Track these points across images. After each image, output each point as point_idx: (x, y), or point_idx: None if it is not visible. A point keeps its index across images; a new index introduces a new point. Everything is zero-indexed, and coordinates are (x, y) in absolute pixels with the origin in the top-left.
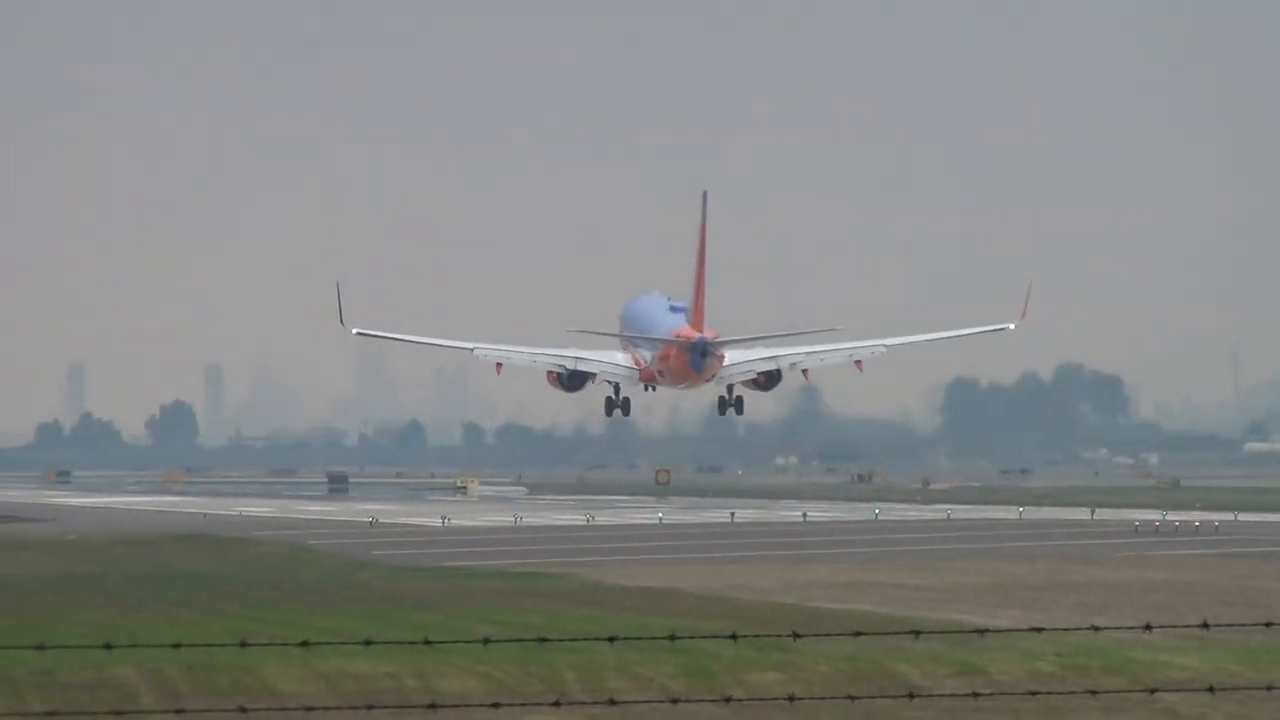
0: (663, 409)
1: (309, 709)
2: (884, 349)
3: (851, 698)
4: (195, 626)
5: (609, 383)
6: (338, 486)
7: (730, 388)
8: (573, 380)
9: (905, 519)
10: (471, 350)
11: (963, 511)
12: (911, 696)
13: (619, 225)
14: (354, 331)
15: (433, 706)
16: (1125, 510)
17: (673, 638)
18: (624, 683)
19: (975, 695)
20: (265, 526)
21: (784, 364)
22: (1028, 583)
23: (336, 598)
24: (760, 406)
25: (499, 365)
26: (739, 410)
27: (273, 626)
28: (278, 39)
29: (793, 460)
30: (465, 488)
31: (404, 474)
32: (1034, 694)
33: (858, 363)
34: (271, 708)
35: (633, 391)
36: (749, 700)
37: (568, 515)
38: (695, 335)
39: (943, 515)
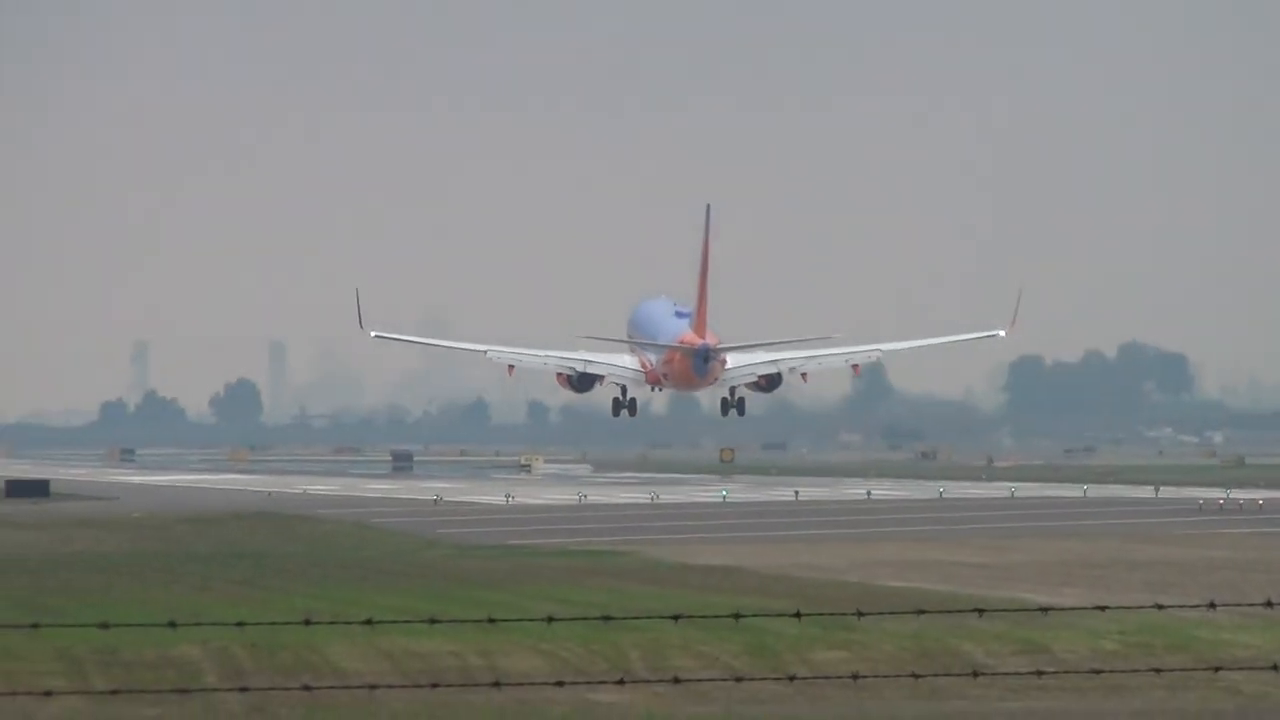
0: (723, 390)
1: (373, 687)
2: (880, 354)
3: (915, 676)
4: (259, 605)
5: (617, 384)
6: (402, 464)
7: (733, 389)
8: (582, 382)
9: (969, 497)
10: (485, 353)
11: (1026, 489)
12: (975, 675)
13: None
14: (372, 335)
15: (497, 685)
16: (1189, 489)
17: (737, 616)
18: (688, 661)
19: (1039, 673)
20: (329, 505)
21: (784, 368)
22: (1091, 561)
23: (401, 576)
24: (825, 385)
25: (510, 367)
26: (740, 411)
27: (337, 605)
28: (324, 28)
29: (857, 438)
30: (529, 466)
31: (468, 452)
32: (1098, 672)
33: (855, 366)
34: (335, 686)
35: (639, 392)
36: (813, 679)
37: (632, 493)
38: (698, 341)
39: (1006, 493)
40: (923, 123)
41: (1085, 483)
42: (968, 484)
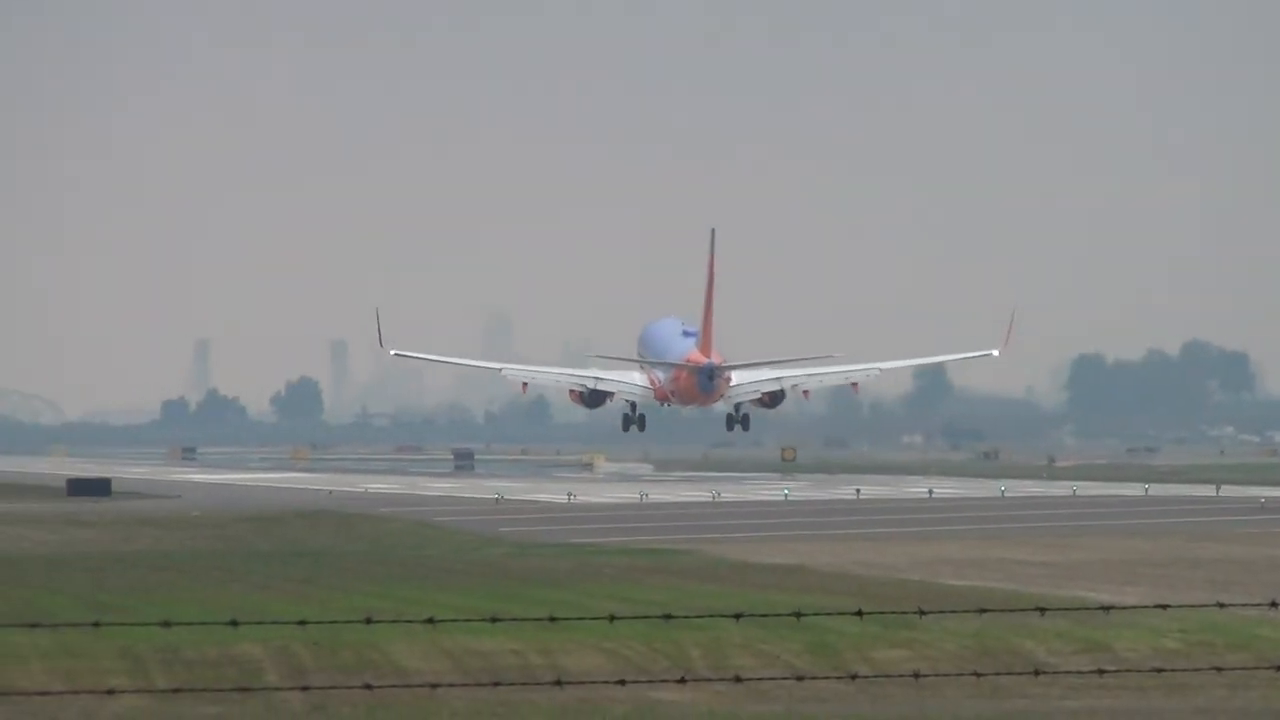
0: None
1: (434, 686)
2: (878, 371)
3: (977, 674)
4: (321, 603)
5: (626, 401)
6: (464, 463)
7: (738, 405)
8: (593, 398)
9: (1031, 496)
10: (500, 370)
11: (1088, 488)
12: (1037, 673)
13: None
14: (391, 353)
15: (558, 683)
16: (1251, 488)
17: (798, 615)
18: (749, 660)
19: (1101, 672)
20: (391, 503)
21: (787, 384)
22: (1153, 559)
23: (462, 574)
24: (887, 385)
25: (524, 385)
26: (745, 426)
27: (398, 603)
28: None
29: (918, 438)
30: (591, 464)
31: (529, 451)
32: (1159, 671)
33: (854, 384)
34: (396, 684)
35: (648, 409)
36: (874, 677)
37: (693, 492)
38: (704, 360)
39: (1068, 492)
40: (950, 120)
41: (1148, 482)
42: (1029, 483)
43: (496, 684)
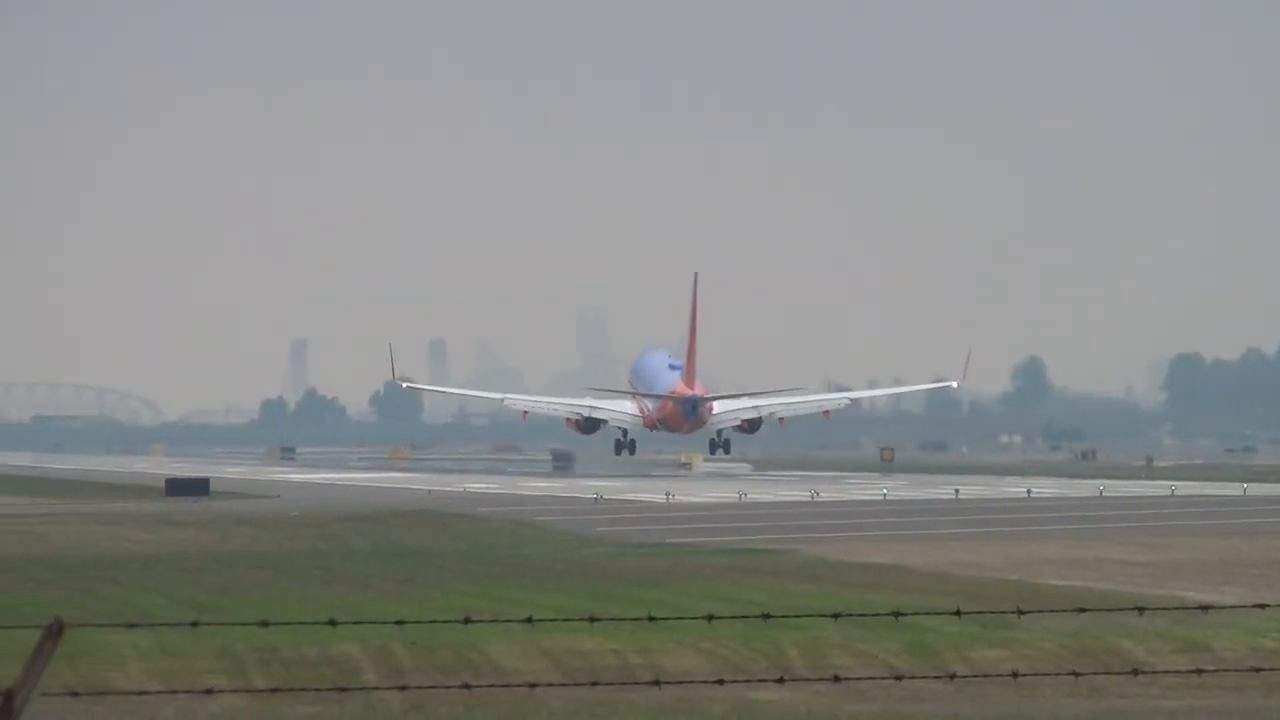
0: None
1: (532, 685)
2: (847, 400)
3: (1075, 674)
4: (419, 603)
5: (618, 428)
6: (562, 463)
7: (719, 431)
8: (588, 425)
9: (1129, 495)
10: (502, 400)
11: (1187, 488)
12: (1135, 673)
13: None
14: (404, 385)
15: (656, 683)
16: None
17: (897, 614)
18: (848, 659)
19: (1199, 672)
20: (489, 503)
21: (764, 412)
22: (1251, 559)
23: (560, 574)
24: (986, 385)
25: (525, 413)
26: (726, 450)
27: (497, 603)
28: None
29: (1017, 439)
30: (689, 464)
31: None
32: (1257, 670)
33: (826, 412)
34: (495, 684)
35: (639, 435)
36: (973, 677)
37: (791, 491)
38: (688, 393)
39: (1166, 491)
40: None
41: (1245, 481)
42: (1127, 482)
43: (595, 684)
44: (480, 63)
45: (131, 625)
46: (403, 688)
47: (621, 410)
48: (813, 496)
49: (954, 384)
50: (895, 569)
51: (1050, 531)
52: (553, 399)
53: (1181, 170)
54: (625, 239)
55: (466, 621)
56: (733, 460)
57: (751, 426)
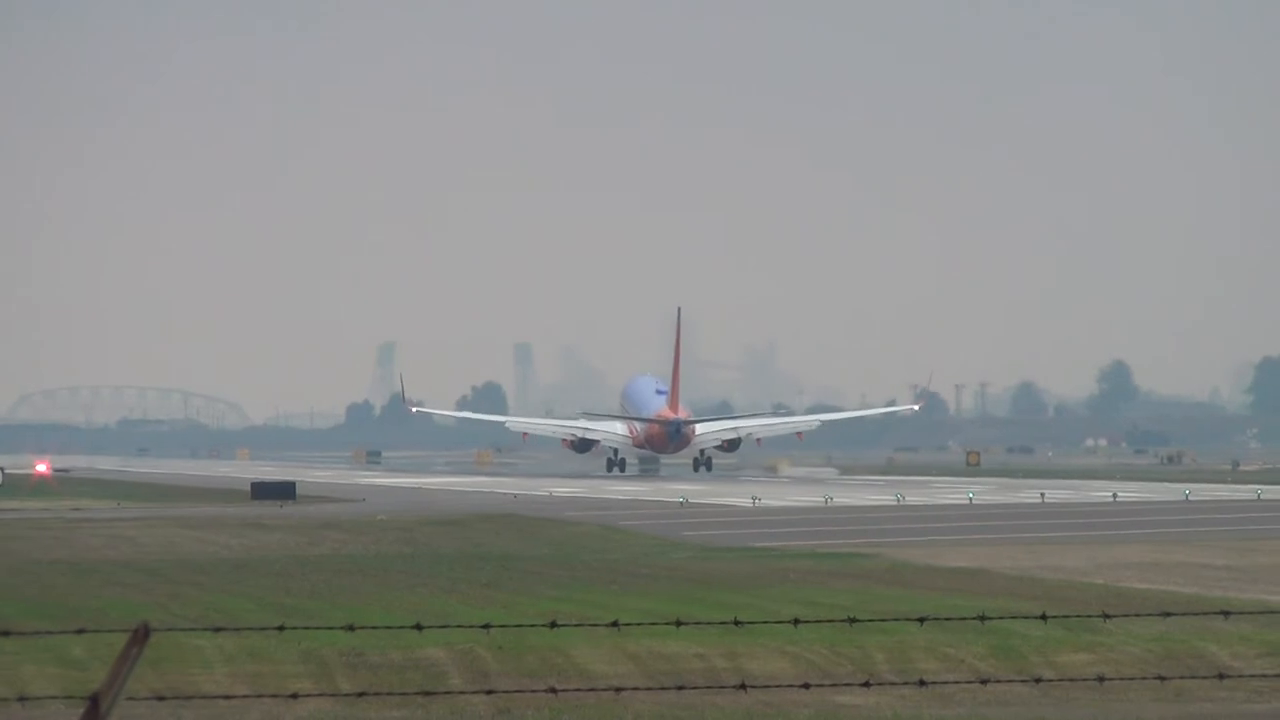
0: (970, 393)
1: (618, 690)
2: (818, 423)
3: (1161, 678)
4: (505, 607)
5: (610, 447)
6: (648, 467)
7: (702, 450)
8: (582, 445)
9: (1215, 499)
10: (504, 423)
11: (1273, 492)
12: (1221, 677)
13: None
14: (413, 410)
15: (743, 687)
16: None
17: (982, 618)
18: (933, 663)
19: None
20: (575, 507)
21: (742, 433)
22: None
23: (646, 578)
24: (1071, 389)
25: (525, 434)
26: (709, 468)
27: (583, 607)
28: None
29: (1102, 443)
30: (775, 468)
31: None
32: None
33: (799, 434)
34: (581, 688)
35: (629, 454)
36: (1058, 681)
37: (878, 495)
38: (671, 417)
39: (1253, 495)
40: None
41: None
42: (1213, 486)
43: (681, 687)
44: (568, 66)
45: (217, 629)
46: (488, 692)
47: (612, 431)
48: (899, 500)
49: (915, 408)
50: (981, 573)
51: (1135, 535)
52: (550, 421)
53: (1271, 175)
54: (713, 242)
55: (553, 625)
56: (820, 465)
57: (731, 446)
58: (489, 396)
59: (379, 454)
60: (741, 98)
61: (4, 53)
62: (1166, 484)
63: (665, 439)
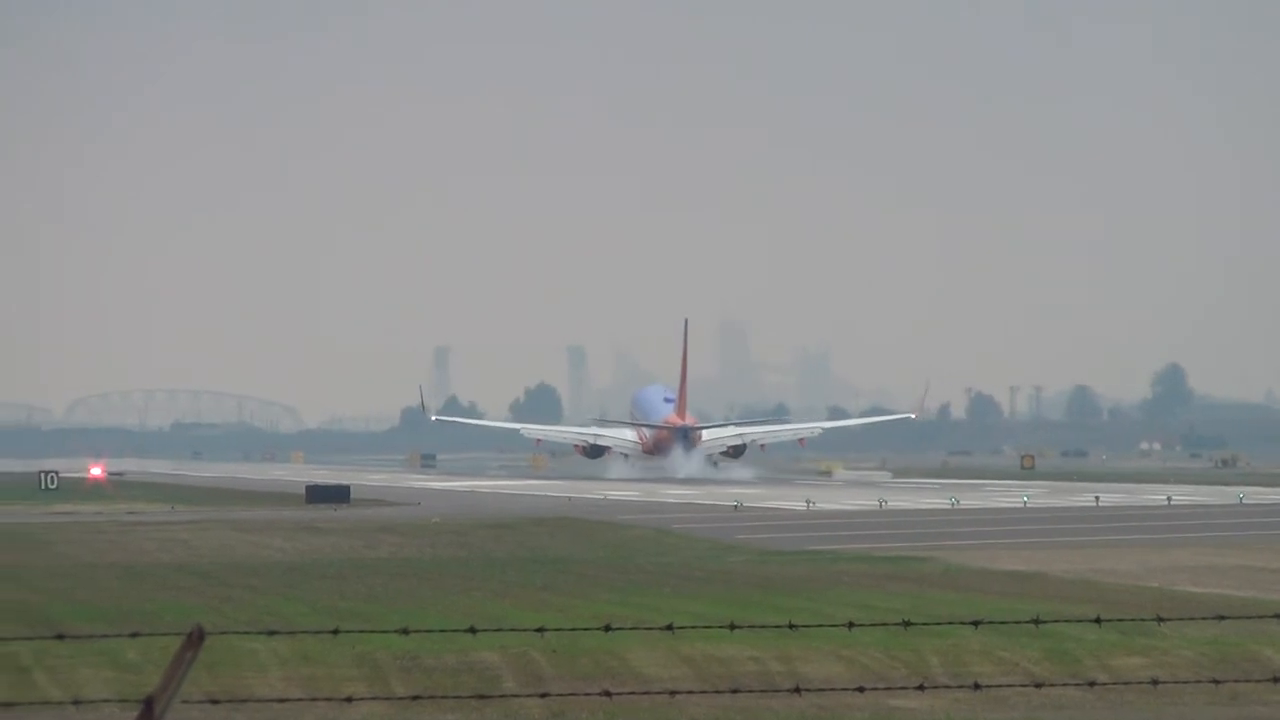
0: (1025, 397)
1: (673, 693)
2: (821, 430)
3: (1215, 682)
4: (560, 610)
5: (620, 453)
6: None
7: (709, 455)
8: (594, 451)
9: (1269, 502)
10: (519, 430)
11: None
12: (1276, 680)
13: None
14: (433, 418)
15: (797, 691)
16: None
17: (1037, 622)
18: (988, 667)
19: None
20: (630, 510)
21: (747, 439)
22: None
23: (700, 582)
24: (1126, 392)
25: (538, 440)
26: (715, 467)
27: (637, 610)
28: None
29: (1156, 446)
30: (829, 471)
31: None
32: None
33: (801, 440)
34: (635, 691)
35: (638, 459)
36: (1112, 684)
37: (932, 499)
38: (679, 423)
39: None
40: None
41: None
42: (1268, 489)
43: (735, 691)
44: (622, 67)
45: (272, 633)
46: (543, 695)
47: (622, 438)
48: (953, 504)
49: (912, 416)
50: (1035, 576)
51: (1190, 539)
52: (564, 428)
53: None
54: (769, 246)
55: (607, 629)
56: (874, 468)
57: (736, 452)
58: (542, 399)
59: (433, 457)
60: (798, 105)
61: (54, 54)
62: (1221, 487)
63: (673, 444)
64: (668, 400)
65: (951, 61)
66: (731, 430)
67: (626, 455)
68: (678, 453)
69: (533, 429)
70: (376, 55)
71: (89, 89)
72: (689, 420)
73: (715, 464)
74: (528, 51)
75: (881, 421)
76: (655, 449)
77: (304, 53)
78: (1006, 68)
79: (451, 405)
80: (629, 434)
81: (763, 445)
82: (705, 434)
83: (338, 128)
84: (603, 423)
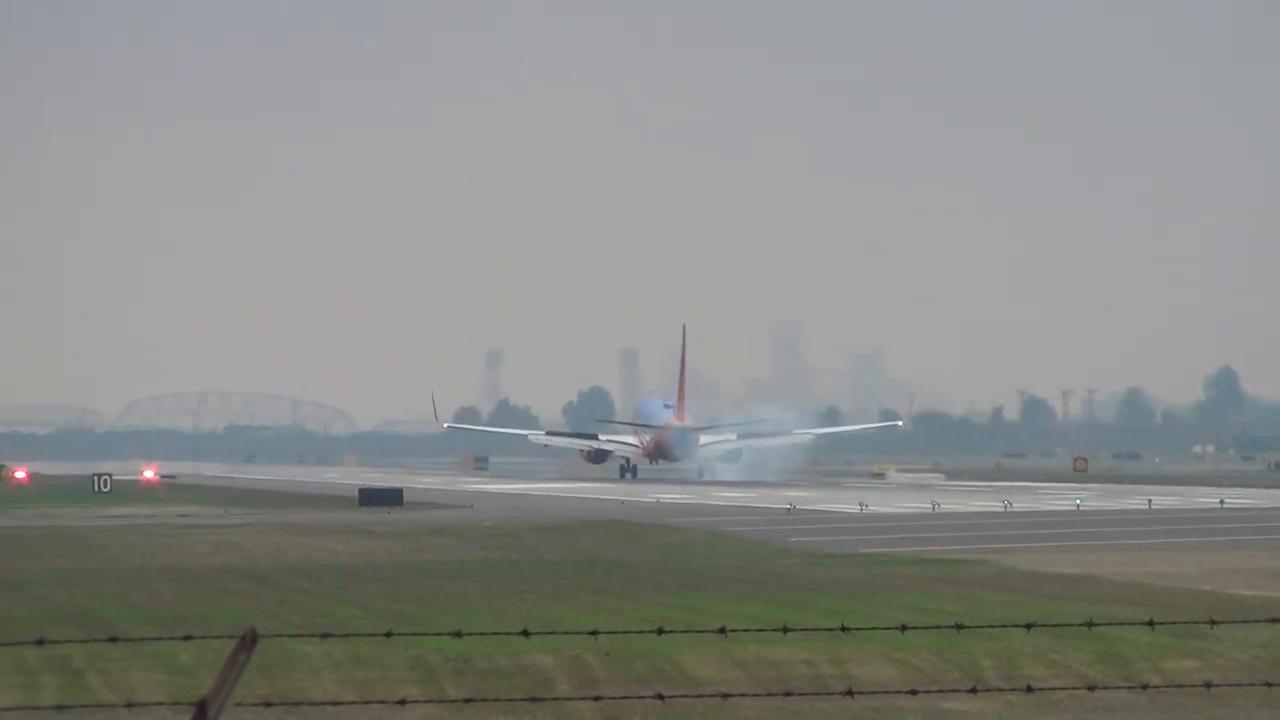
0: (1077, 399)
1: (725, 696)
2: (812, 436)
3: (1269, 684)
4: (613, 613)
5: (623, 457)
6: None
7: (707, 460)
8: (598, 456)
9: None
10: (526, 436)
11: None
12: None
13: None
14: (445, 426)
15: (849, 694)
16: None
17: (1089, 624)
18: (1041, 669)
19: None
20: (682, 513)
21: (742, 445)
22: None
23: (753, 584)
24: (1179, 394)
25: (546, 445)
26: (712, 474)
27: (690, 614)
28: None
29: (1209, 449)
30: (883, 474)
31: (820, 461)
32: None
33: (795, 445)
34: (688, 694)
35: (641, 463)
36: (1165, 687)
37: (985, 501)
38: (678, 424)
39: None
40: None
41: None
42: None
43: (788, 694)
44: (681, 73)
45: (325, 635)
46: (596, 698)
47: (626, 443)
48: (1006, 507)
49: (899, 423)
50: (1088, 579)
51: (1243, 542)
52: (569, 434)
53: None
54: (822, 249)
55: (660, 632)
56: (927, 470)
57: (732, 457)
58: (595, 402)
59: (486, 460)
60: (850, 105)
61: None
62: (1274, 490)
63: (672, 445)
64: (667, 406)
65: (1003, 62)
66: (727, 436)
67: (628, 458)
68: (677, 454)
69: (539, 434)
70: (430, 61)
71: (154, 85)
72: (688, 422)
73: (712, 470)
74: (580, 50)
75: (877, 428)
76: (656, 452)
77: (365, 60)
78: (1067, 69)
79: (504, 408)
80: (631, 439)
81: (756, 450)
82: (702, 437)
83: (388, 134)
84: (605, 423)
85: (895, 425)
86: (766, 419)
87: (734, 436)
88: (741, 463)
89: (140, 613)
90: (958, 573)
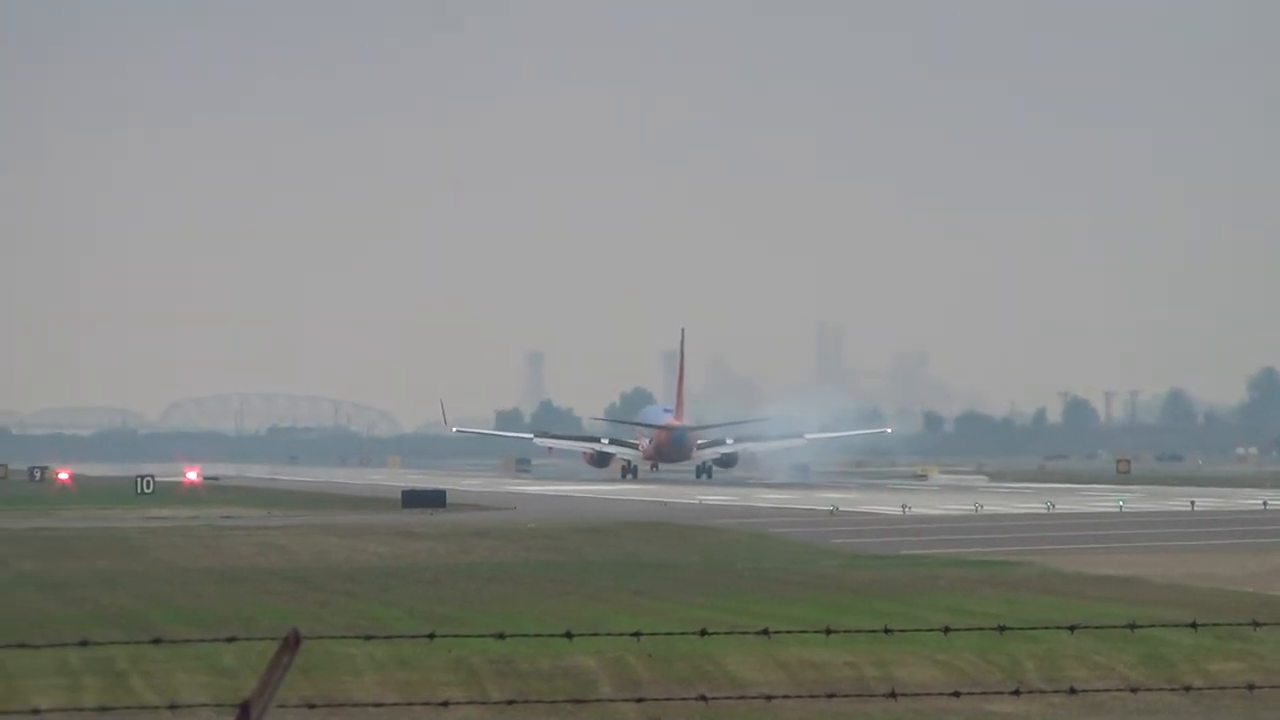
0: (1120, 401)
1: (768, 698)
2: (805, 440)
3: None
4: (656, 615)
5: (625, 460)
6: (800, 476)
7: (704, 462)
8: (600, 459)
9: None
10: (531, 439)
11: None
12: None
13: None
14: (454, 430)
15: (892, 695)
16: None
17: (1132, 626)
18: (1083, 671)
19: None
20: (725, 515)
21: (739, 449)
22: None
23: (796, 586)
24: (1222, 396)
25: (550, 448)
26: (709, 476)
27: (733, 615)
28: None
29: (1252, 450)
30: (925, 476)
31: (864, 463)
32: None
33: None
34: (731, 696)
35: (640, 465)
36: (1208, 689)
37: (1028, 503)
38: (676, 424)
39: None
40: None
41: None
42: None
43: (831, 695)
44: (718, 70)
45: (368, 637)
46: (639, 700)
47: (626, 445)
48: (1049, 508)
49: (888, 430)
50: (1131, 581)
51: None
52: (572, 439)
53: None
54: (864, 251)
55: (703, 633)
56: (970, 472)
57: (728, 460)
58: (638, 402)
59: (528, 462)
60: (895, 107)
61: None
62: None
63: (671, 445)
64: (667, 411)
65: (1038, 71)
66: (723, 436)
67: (630, 461)
68: (676, 455)
69: (544, 439)
70: (469, 58)
71: (192, 88)
72: (687, 423)
73: (709, 469)
74: (624, 50)
75: (868, 435)
76: (656, 452)
77: (414, 58)
78: (1127, 64)
79: (546, 409)
80: (630, 440)
81: (754, 454)
82: (700, 441)
83: (425, 133)
84: (606, 423)
85: (884, 433)
86: (765, 420)
87: (729, 443)
88: (739, 465)
89: (183, 614)
90: (1000, 574)
